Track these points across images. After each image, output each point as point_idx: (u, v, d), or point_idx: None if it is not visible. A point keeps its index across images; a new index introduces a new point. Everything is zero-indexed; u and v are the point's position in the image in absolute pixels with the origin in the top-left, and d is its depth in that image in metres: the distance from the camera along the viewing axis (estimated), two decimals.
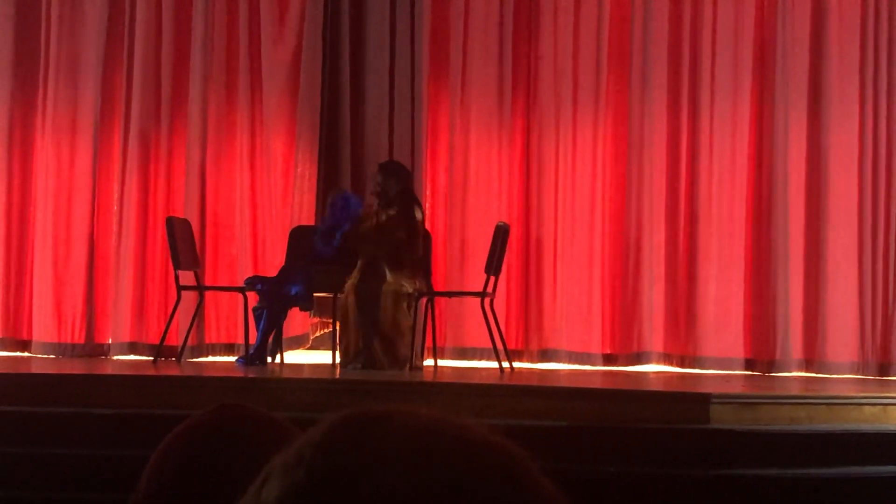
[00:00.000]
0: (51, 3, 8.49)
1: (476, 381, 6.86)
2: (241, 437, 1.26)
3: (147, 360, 7.90)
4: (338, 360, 7.40)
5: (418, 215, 7.45)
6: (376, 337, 7.28)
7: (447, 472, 0.73)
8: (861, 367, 7.86)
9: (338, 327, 7.41)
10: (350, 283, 7.34)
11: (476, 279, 7.77)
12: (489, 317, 7.36)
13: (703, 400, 5.74)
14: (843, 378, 7.75)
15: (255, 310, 7.50)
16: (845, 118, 8.06)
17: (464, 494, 0.72)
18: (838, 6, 8.11)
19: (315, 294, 7.62)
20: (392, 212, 7.42)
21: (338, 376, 7.05)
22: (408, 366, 7.27)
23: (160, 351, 7.73)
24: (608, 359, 8.15)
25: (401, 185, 7.51)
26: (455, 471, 0.73)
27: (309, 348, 8.25)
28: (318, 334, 8.24)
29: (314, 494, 0.73)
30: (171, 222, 7.72)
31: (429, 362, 7.63)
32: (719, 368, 7.93)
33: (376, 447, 0.74)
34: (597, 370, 8.03)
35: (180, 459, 1.27)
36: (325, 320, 8.05)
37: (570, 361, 8.15)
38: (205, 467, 1.26)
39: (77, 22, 8.50)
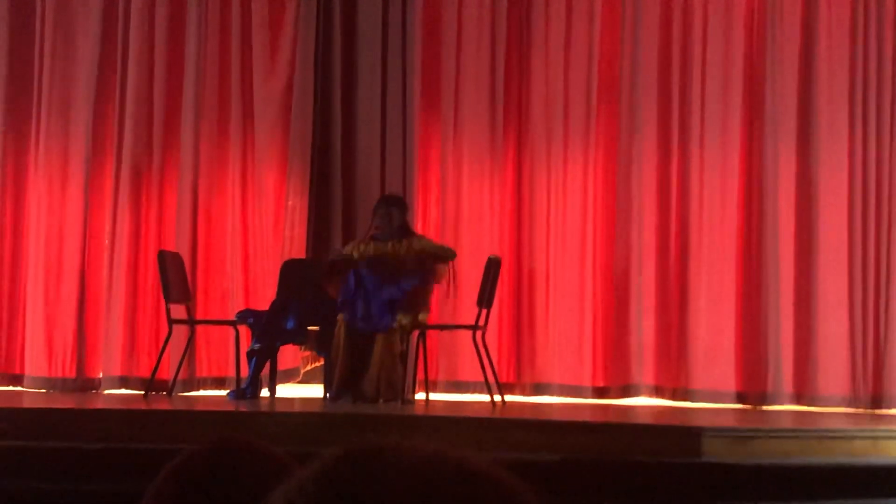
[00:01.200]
0: (44, 38, 8.52)
1: (468, 414, 6.85)
2: (239, 470, 1.27)
3: (138, 395, 7.88)
4: (329, 393, 7.40)
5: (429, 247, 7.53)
6: (368, 370, 7.27)
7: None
8: (852, 401, 7.86)
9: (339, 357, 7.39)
10: (342, 316, 7.33)
11: (468, 312, 7.78)
12: (481, 350, 7.36)
13: (695, 433, 5.74)
14: (834, 411, 7.75)
15: (248, 353, 7.48)
16: (835, 151, 8.09)
17: None
18: (827, 38, 8.16)
19: (308, 328, 7.60)
20: (397, 243, 7.45)
21: (329, 410, 7.04)
22: (399, 399, 7.27)
23: (151, 385, 7.71)
24: (599, 391, 8.15)
25: (402, 217, 7.57)
26: (456, 502, 0.74)
27: (300, 382, 8.23)
28: (309, 367, 8.23)
29: None
30: (162, 256, 7.72)
31: (420, 395, 7.62)
32: (710, 401, 7.92)
33: (377, 480, 0.74)
34: (588, 403, 8.03)
35: (177, 493, 1.27)
36: (315, 354, 8.03)
37: (561, 394, 8.15)
38: (202, 501, 1.26)
39: (69, 57, 8.52)
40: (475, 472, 0.76)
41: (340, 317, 7.33)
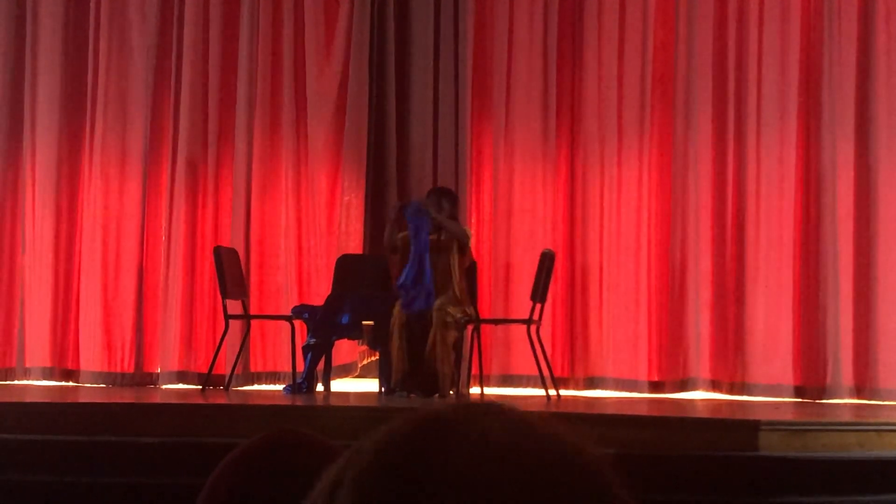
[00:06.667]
0: (98, 36, 8.60)
1: (523, 408, 6.83)
2: (294, 460, 1.27)
3: (195, 389, 7.95)
4: (384, 388, 7.42)
5: (468, 234, 7.54)
6: (422, 364, 7.29)
7: (526, 465, 0.73)
8: None
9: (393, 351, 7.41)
10: (397, 309, 7.35)
11: (521, 306, 7.77)
12: (535, 344, 7.35)
13: (752, 427, 5.69)
14: (895, 405, 7.65)
15: (304, 347, 7.52)
16: (893, 142, 8.00)
17: (535, 495, 0.72)
18: (885, 27, 8.06)
19: (364, 322, 7.63)
20: (443, 235, 7.47)
21: (384, 404, 7.06)
22: (454, 393, 7.28)
23: (208, 380, 7.78)
24: (655, 386, 8.11)
25: (452, 209, 7.59)
26: (534, 470, 0.73)
27: (356, 376, 8.26)
28: (365, 362, 8.25)
29: (389, 482, 0.72)
30: (218, 252, 7.78)
31: (475, 390, 7.63)
32: (768, 395, 7.86)
33: (453, 448, 0.73)
34: (643, 397, 7.99)
35: (234, 484, 1.28)
36: (370, 348, 8.06)
37: (616, 389, 8.12)
38: (258, 492, 1.27)
39: (124, 55, 8.60)
40: (558, 441, 0.75)
41: (396, 309, 7.34)
